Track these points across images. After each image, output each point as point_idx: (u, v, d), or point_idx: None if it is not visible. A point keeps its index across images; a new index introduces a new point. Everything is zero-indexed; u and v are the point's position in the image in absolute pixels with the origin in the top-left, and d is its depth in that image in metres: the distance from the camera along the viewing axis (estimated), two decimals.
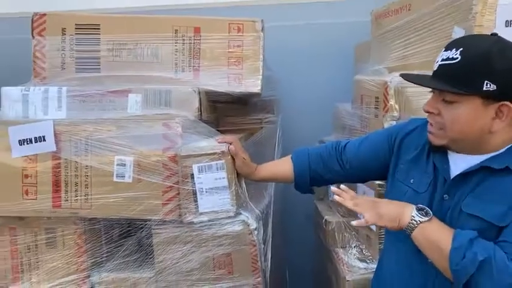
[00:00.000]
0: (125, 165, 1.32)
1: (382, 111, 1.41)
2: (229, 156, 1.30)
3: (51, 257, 1.39)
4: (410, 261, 1.02)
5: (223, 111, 1.80)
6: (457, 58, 0.87)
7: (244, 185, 1.41)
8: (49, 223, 1.39)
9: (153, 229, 1.35)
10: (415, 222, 0.93)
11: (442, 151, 1.00)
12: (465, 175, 0.94)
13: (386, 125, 1.38)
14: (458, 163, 0.97)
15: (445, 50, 0.91)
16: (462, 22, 1.28)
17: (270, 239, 1.48)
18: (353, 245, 1.56)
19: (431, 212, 0.95)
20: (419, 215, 0.94)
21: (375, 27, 1.85)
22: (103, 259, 1.43)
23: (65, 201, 1.35)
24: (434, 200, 0.99)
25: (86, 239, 1.39)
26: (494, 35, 0.91)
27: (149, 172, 1.32)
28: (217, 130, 1.45)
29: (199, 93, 1.42)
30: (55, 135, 1.33)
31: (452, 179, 0.97)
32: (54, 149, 1.34)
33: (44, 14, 1.51)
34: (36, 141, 1.33)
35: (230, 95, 1.53)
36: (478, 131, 0.90)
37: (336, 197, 1.05)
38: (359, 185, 1.54)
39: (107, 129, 1.34)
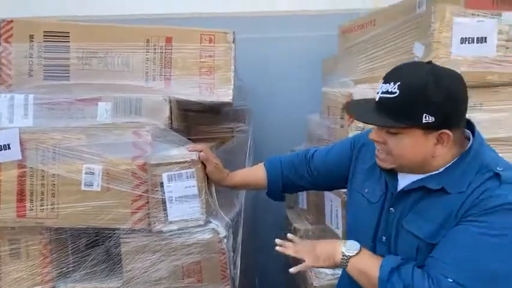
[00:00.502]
0: (93, 173, 1.31)
1: (347, 121, 1.47)
2: (200, 165, 1.32)
3: (14, 268, 1.36)
4: None
5: (195, 120, 1.81)
6: (396, 93, 0.90)
7: (214, 194, 1.42)
8: (13, 233, 1.35)
9: (122, 238, 1.34)
10: (346, 258, 1.01)
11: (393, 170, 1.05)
12: (406, 192, 1.00)
13: (351, 135, 1.43)
14: (405, 179, 1.02)
15: (384, 82, 0.94)
16: (422, 38, 1.35)
17: (240, 247, 1.50)
18: None
19: (359, 245, 1.02)
20: (348, 251, 1.01)
21: (342, 41, 1.92)
22: (69, 269, 1.40)
23: (30, 210, 1.33)
24: (383, 211, 1.05)
25: (52, 249, 1.37)
26: (429, 63, 0.94)
27: (118, 181, 1.31)
28: (189, 139, 1.46)
29: (170, 102, 1.43)
30: (21, 143, 1.31)
31: (396, 194, 1.02)
32: (20, 157, 1.31)
33: (11, 21, 1.49)
34: (0, 150, 1.30)
35: (202, 104, 1.55)
36: (422, 157, 0.95)
37: (278, 248, 1.13)
38: (326, 193, 1.59)
39: (76, 138, 1.32)
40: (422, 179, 0.98)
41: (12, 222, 1.33)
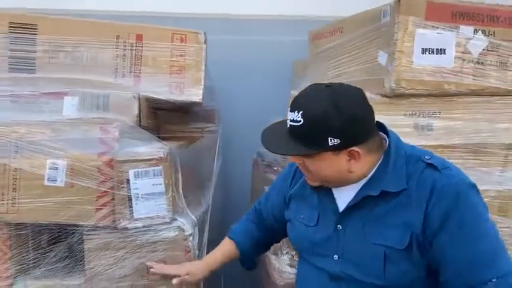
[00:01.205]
0: (57, 168, 1.29)
1: None
2: (167, 162, 1.32)
3: None
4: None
5: (165, 118, 1.81)
6: (300, 121, 0.94)
7: (181, 192, 1.43)
8: None
9: (85, 235, 1.32)
10: None
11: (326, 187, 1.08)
12: (352, 206, 1.02)
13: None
14: (341, 194, 1.05)
15: (291, 111, 0.97)
16: (385, 47, 1.42)
17: (206, 246, 1.51)
18: (284, 252, 1.63)
19: None
20: None
21: (311, 46, 1.97)
22: (29, 266, 1.37)
23: None
24: (327, 231, 1.06)
25: (11, 245, 1.33)
26: (328, 86, 0.97)
27: (83, 176, 1.30)
28: (158, 137, 1.46)
29: (139, 99, 1.43)
30: None
31: (343, 210, 1.04)
32: None
33: None
34: None
35: (171, 102, 1.55)
36: (339, 173, 0.99)
37: None
38: None
39: (40, 132, 1.30)
40: (360, 190, 1.01)
41: None
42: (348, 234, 1.03)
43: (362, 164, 0.99)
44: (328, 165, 0.98)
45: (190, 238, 1.36)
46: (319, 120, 0.93)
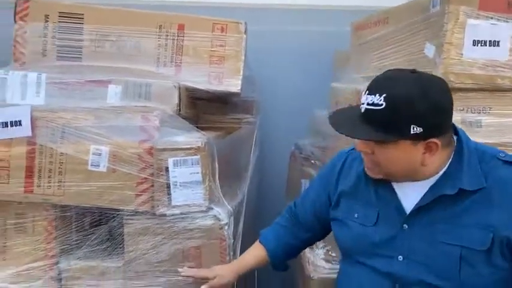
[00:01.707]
0: (100, 154, 1.34)
1: None
2: (205, 152, 1.34)
3: (19, 242, 1.38)
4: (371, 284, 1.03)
5: (203, 108, 1.83)
6: (382, 105, 0.88)
7: (218, 181, 1.44)
8: (20, 208, 1.38)
9: (125, 219, 1.36)
10: None
11: (384, 180, 1.01)
12: (422, 207, 0.96)
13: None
14: (406, 191, 0.99)
15: (369, 93, 0.91)
16: (433, 39, 1.35)
17: (241, 235, 1.52)
18: (320, 246, 1.61)
19: None
20: None
21: (354, 37, 1.92)
22: (72, 247, 1.43)
23: (38, 187, 1.35)
24: (391, 230, 0.99)
25: (57, 226, 1.39)
26: (413, 71, 0.93)
27: (124, 163, 1.33)
28: (196, 127, 1.48)
29: (179, 88, 1.45)
30: (32, 120, 1.33)
31: (412, 210, 0.97)
32: (30, 134, 1.33)
33: (28, 0, 1.51)
34: (12, 125, 1.33)
35: (210, 92, 1.56)
36: (411, 166, 0.94)
37: None
38: None
39: (85, 118, 1.35)
40: (433, 188, 0.95)
41: (19, 197, 1.36)
42: (415, 234, 0.97)
43: (435, 158, 0.93)
44: (401, 155, 0.91)
45: (226, 227, 1.37)
46: (404, 105, 0.87)
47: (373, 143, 0.94)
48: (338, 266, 1.48)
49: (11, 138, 1.34)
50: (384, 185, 1.02)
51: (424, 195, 0.96)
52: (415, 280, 0.96)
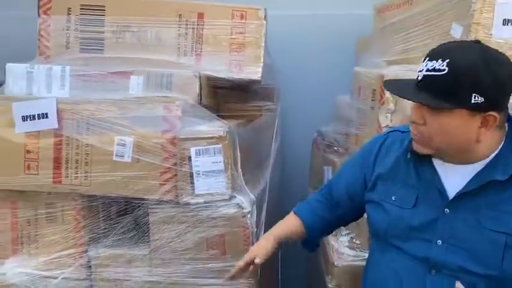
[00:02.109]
0: (124, 145, 1.36)
1: (378, 103, 1.44)
2: (227, 141, 1.34)
3: (50, 231, 1.43)
4: (403, 270, 1.00)
5: (224, 97, 1.82)
6: (444, 70, 0.85)
7: (240, 170, 1.44)
8: (49, 198, 1.42)
9: (150, 208, 1.39)
10: None
11: (427, 161, 0.99)
12: (469, 192, 0.93)
13: (381, 118, 1.41)
14: (450, 174, 0.96)
15: (430, 60, 0.89)
16: (461, 19, 1.30)
17: (263, 223, 1.52)
18: (344, 233, 1.60)
19: None
20: None
21: (377, 20, 1.87)
22: (100, 235, 1.47)
23: (66, 177, 1.39)
24: (431, 214, 0.96)
25: (85, 215, 1.43)
26: (477, 42, 0.91)
27: (148, 153, 1.35)
28: (217, 115, 1.48)
29: (200, 78, 1.45)
30: (58, 113, 1.36)
31: (456, 195, 0.94)
32: (56, 126, 1.37)
33: None
34: (39, 118, 1.37)
35: (231, 81, 1.56)
36: (464, 140, 0.90)
37: None
38: None
39: (108, 109, 1.37)
40: (482, 172, 0.92)
41: (48, 187, 1.40)
42: (457, 219, 0.94)
43: (490, 137, 0.90)
44: (457, 126, 0.88)
45: (249, 216, 1.37)
46: (468, 72, 0.84)
47: (427, 112, 0.90)
48: (362, 254, 1.49)
49: (38, 131, 1.37)
50: (426, 166, 0.99)
51: (471, 180, 0.93)
52: (454, 266, 0.93)
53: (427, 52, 0.93)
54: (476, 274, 0.91)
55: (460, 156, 0.94)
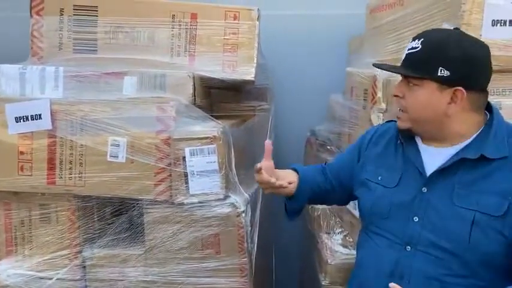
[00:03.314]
0: (118, 145, 1.36)
1: (370, 103, 1.46)
2: (221, 141, 1.35)
3: (44, 232, 1.44)
4: (387, 252, 1.04)
5: (218, 97, 1.83)
6: (418, 47, 0.97)
7: (234, 170, 1.45)
8: (43, 199, 1.43)
9: (145, 208, 1.40)
10: None
11: (412, 145, 1.05)
12: (443, 170, 0.98)
13: (373, 117, 1.43)
14: (432, 155, 1.01)
15: (412, 41, 1.00)
16: (451, 20, 1.31)
17: (258, 222, 1.53)
18: (337, 231, 1.62)
19: None
20: None
21: (369, 20, 1.88)
22: (95, 235, 1.47)
23: (60, 178, 1.39)
24: (410, 192, 1.02)
25: (79, 216, 1.44)
26: (456, 29, 1.01)
27: (142, 153, 1.36)
28: (211, 116, 1.49)
29: (193, 78, 1.45)
30: (51, 113, 1.36)
31: (431, 174, 1.00)
32: (50, 127, 1.37)
33: None
34: (32, 119, 1.36)
35: (224, 81, 1.56)
36: (435, 113, 0.97)
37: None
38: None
39: (102, 110, 1.37)
40: (458, 153, 0.97)
41: (42, 188, 1.40)
42: (433, 198, 0.99)
43: (465, 117, 0.97)
44: (427, 98, 0.97)
45: (243, 215, 1.39)
46: (436, 47, 0.95)
47: (405, 87, 1.00)
48: (355, 252, 1.51)
49: (32, 132, 1.37)
50: (411, 149, 1.05)
51: (446, 160, 0.99)
52: (426, 242, 0.98)
53: None
54: (446, 250, 0.96)
55: (435, 133, 1.00)
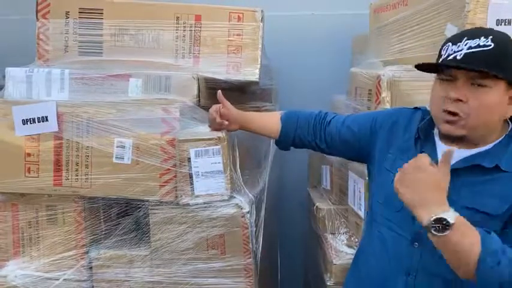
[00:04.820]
0: (124, 147, 1.37)
1: (374, 103, 1.46)
2: (225, 142, 1.35)
3: (51, 233, 1.45)
4: (392, 247, 1.06)
5: None
6: (491, 45, 0.90)
7: (239, 170, 1.46)
8: (50, 200, 1.44)
9: (150, 209, 1.40)
10: (446, 223, 0.86)
11: (430, 140, 1.05)
12: (456, 170, 0.96)
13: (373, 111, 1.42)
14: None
15: (469, 39, 0.93)
16: (455, 19, 1.31)
17: (262, 223, 1.54)
18: (342, 232, 1.62)
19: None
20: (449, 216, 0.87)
21: (373, 20, 1.88)
22: (101, 236, 1.49)
23: (66, 179, 1.40)
24: None
25: (85, 217, 1.45)
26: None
27: (147, 155, 1.37)
28: None
29: (198, 79, 1.46)
30: (57, 116, 1.38)
31: None
32: (57, 129, 1.38)
33: None
34: (39, 121, 1.38)
35: (229, 82, 1.57)
36: (498, 117, 0.95)
37: None
38: (350, 174, 1.60)
39: (108, 112, 1.38)
40: (473, 156, 0.97)
41: (49, 190, 1.41)
42: None
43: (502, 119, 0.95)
44: (496, 102, 0.92)
45: (248, 215, 1.39)
46: (510, 46, 0.92)
47: (468, 90, 0.93)
48: None
49: (39, 134, 1.39)
50: (429, 146, 1.04)
51: (459, 161, 0.97)
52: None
53: (450, 38, 0.98)
54: None
55: (485, 136, 0.97)
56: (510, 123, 1.01)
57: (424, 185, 0.89)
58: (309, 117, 1.33)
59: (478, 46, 0.91)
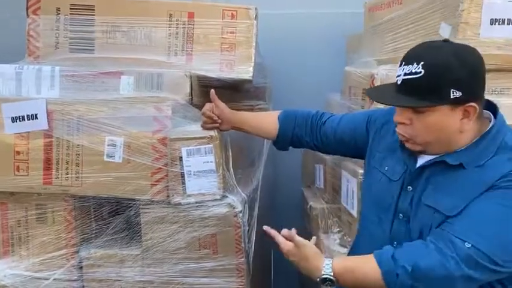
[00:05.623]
0: (115, 145, 1.35)
1: (368, 102, 1.45)
2: (218, 141, 1.34)
3: (41, 232, 1.43)
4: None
5: None
6: (421, 72, 0.90)
7: (231, 169, 1.45)
8: (40, 199, 1.42)
9: (141, 208, 1.39)
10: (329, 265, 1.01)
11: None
12: (423, 168, 1.00)
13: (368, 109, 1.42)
14: (424, 158, 1.02)
15: (405, 64, 0.94)
16: (449, 19, 1.31)
17: (255, 222, 1.53)
18: (335, 231, 1.62)
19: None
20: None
21: (367, 19, 1.88)
22: (92, 236, 1.47)
23: (56, 178, 1.39)
24: (402, 189, 1.05)
25: (76, 216, 1.43)
26: (445, 41, 0.95)
27: (139, 153, 1.35)
28: None
29: (190, 77, 1.45)
30: (47, 113, 1.36)
31: (413, 171, 1.02)
32: (47, 127, 1.36)
33: None
34: (28, 119, 1.36)
35: (222, 80, 1.55)
36: (449, 133, 0.95)
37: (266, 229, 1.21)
38: (343, 173, 1.59)
39: (99, 110, 1.36)
40: (442, 156, 0.98)
41: (39, 188, 1.39)
42: (412, 195, 1.02)
43: (471, 128, 0.95)
44: (441, 121, 0.93)
45: (240, 215, 1.38)
46: (443, 71, 0.90)
47: (411, 113, 0.95)
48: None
49: (28, 132, 1.37)
50: (409, 152, 1.05)
51: (430, 159, 1.00)
52: (405, 238, 1.02)
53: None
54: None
55: (443, 148, 0.98)
56: (493, 119, 0.99)
57: (298, 263, 1.10)
58: (307, 116, 1.34)
59: (411, 73, 0.92)
